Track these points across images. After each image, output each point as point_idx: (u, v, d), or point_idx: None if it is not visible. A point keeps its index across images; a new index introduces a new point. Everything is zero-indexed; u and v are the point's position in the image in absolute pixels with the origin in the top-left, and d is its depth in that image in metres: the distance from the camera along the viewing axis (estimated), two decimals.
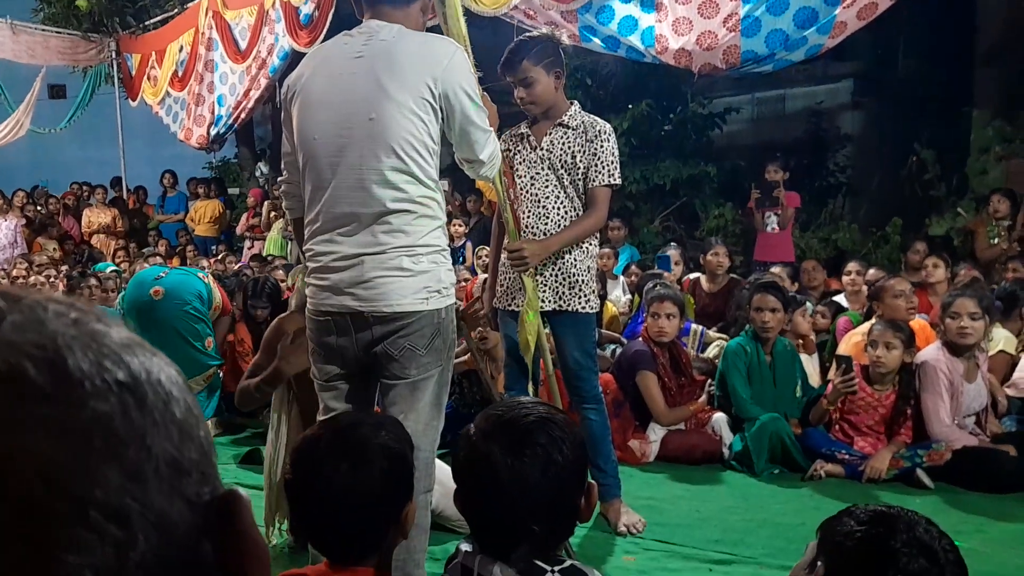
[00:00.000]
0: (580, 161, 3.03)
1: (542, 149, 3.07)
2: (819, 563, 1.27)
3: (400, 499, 1.51)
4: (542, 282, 3.05)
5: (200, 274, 4.82)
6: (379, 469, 1.45)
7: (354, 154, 2.22)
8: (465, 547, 1.36)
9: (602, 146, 3.02)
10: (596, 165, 3.02)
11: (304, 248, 2.41)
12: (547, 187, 3.06)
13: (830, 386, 4.07)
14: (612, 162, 3.03)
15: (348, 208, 2.24)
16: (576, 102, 3.16)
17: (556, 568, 1.29)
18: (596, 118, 3.11)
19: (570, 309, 3.07)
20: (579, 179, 3.05)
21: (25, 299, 0.42)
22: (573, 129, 3.05)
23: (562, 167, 3.04)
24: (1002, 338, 4.43)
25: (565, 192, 3.06)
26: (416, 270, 2.24)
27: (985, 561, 2.88)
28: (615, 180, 3.05)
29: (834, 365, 4.25)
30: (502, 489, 1.28)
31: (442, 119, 2.27)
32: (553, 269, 3.06)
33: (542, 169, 3.07)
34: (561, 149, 3.05)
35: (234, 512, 0.45)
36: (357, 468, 1.43)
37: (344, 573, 1.43)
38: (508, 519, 1.29)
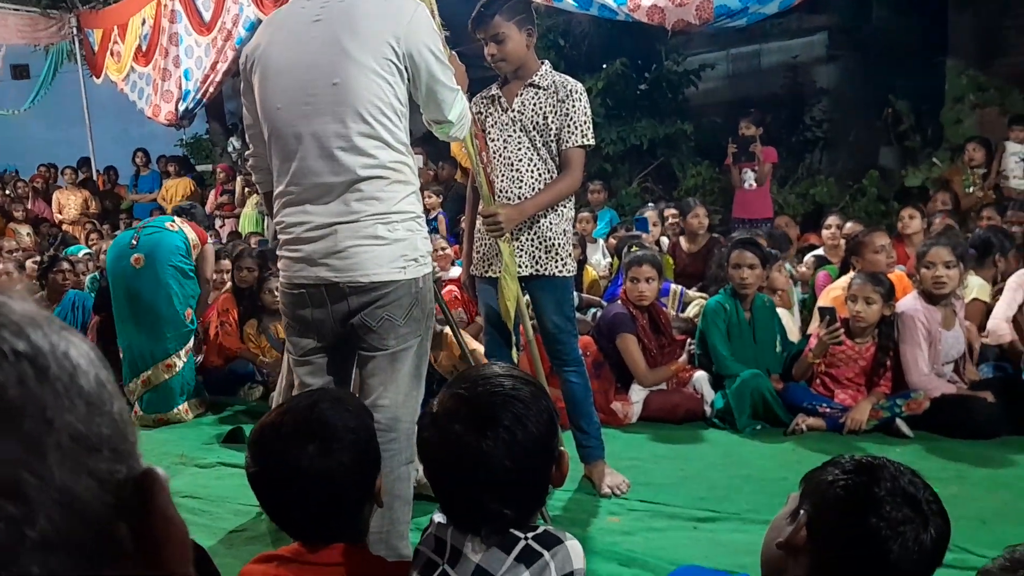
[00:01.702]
0: (552, 122, 2.98)
1: (513, 111, 3.02)
2: (802, 511, 1.27)
3: (370, 473, 1.48)
4: (518, 247, 3.02)
5: (168, 222, 4.69)
6: (347, 447, 1.42)
7: (320, 121, 2.17)
8: (438, 518, 1.34)
9: (574, 106, 2.97)
10: (569, 126, 2.97)
11: (275, 220, 2.36)
12: (520, 150, 3.01)
13: (813, 339, 4.08)
14: (585, 122, 2.98)
15: (318, 178, 2.19)
16: (547, 62, 3.10)
17: (530, 535, 1.27)
18: (567, 78, 3.05)
19: (547, 273, 3.04)
20: (551, 140, 3.00)
21: None
22: (544, 89, 3.00)
23: (534, 128, 2.99)
24: (976, 286, 4.46)
25: (538, 154, 3.01)
26: (392, 238, 2.20)
27: (965, 506, 2.91)
28: (588, 140, 3.00)
29: (815, 319, 4.26)
30: (467, 470, 1.25)
31: (408, 79, 2.22)
32: (529, 234, 3.02)
33: (514, 131, 3.01)
34: (533, 110, 2.99)
35: (151, 492, 0.43)
36: (324, 450, 1.40)
37: (318, 552, 1.41)
38: (475, 497, 1.26)
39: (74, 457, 0.39)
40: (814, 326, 4.35)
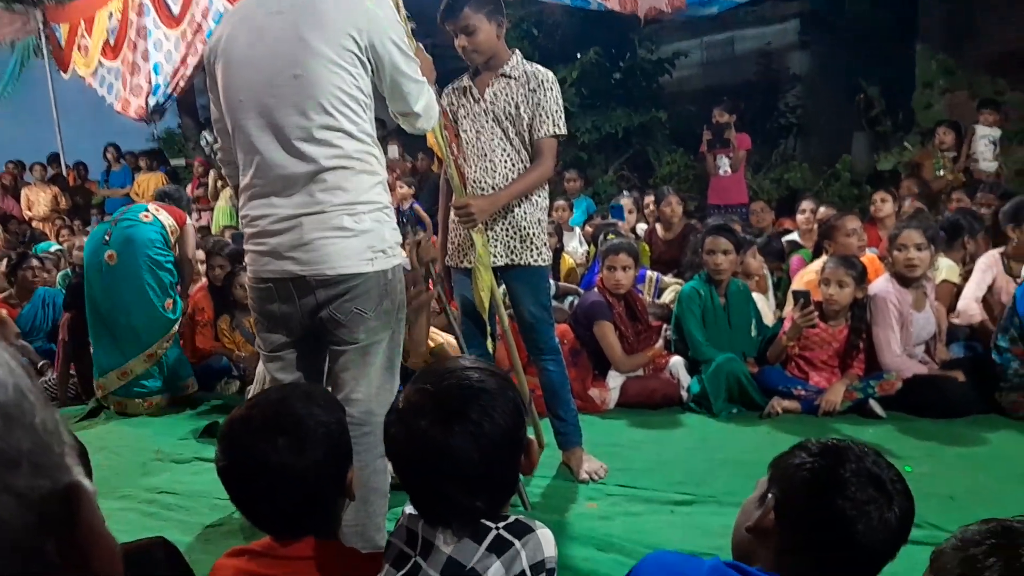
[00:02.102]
0: (524, 112, 2.97)
1: (485, 101, 3.01)
2: (770, 495, 1.29)
3: (341, 468, 1.48)
4: (493, 237, 3.02)
5: (143, 212, 4.61)
6: (317, 442, 1.41)
7: (282, 113, 2.15)
8: (409, 510, 1.34)
9: (545, 95, 2.97)
10: (540, 115, 2.97)
11: (241, 214, 2.34)
12: (492, 140, 3.01)
13: (787, 322, 4.12)
14: (556, 111, 2.98)
15: (282, 170, 2.17)
16: (518, 51, 3.09)
17: (501, 525, 1.27)
18: (538, 67, 3.05)
19: (522, 263, 3.04)
20: (524, 130, 3.00)
21: None
22: (515, 79, 2.99)
23: (506, 119, 2.99)
24: (945, 267, 4.52)
25: (511, 144, 3.01)
26: (358, 229, 2.18)
27: (937, 484, 2.97)
28: (560, 130, 3.00)
29: (790, 302, 4.29)
30: (435, 464, 1.24)
31: (372, 71, 2.21)
32: (503, 224, 3.02)
33: (486, 122, 3.01)
34: (504, 100, 2.99)
35: (76, 506, 0.41)
36: (294, 444, 1.38)
37: (289, 546, 1.40)
38: (444, 491, 1.25)
39: None
40: (788, 309, 4.39)
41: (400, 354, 2.38)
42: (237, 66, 2.19)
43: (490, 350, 3.17)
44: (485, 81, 3.02)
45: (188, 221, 4.83)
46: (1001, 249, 4.35)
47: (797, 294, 4.07)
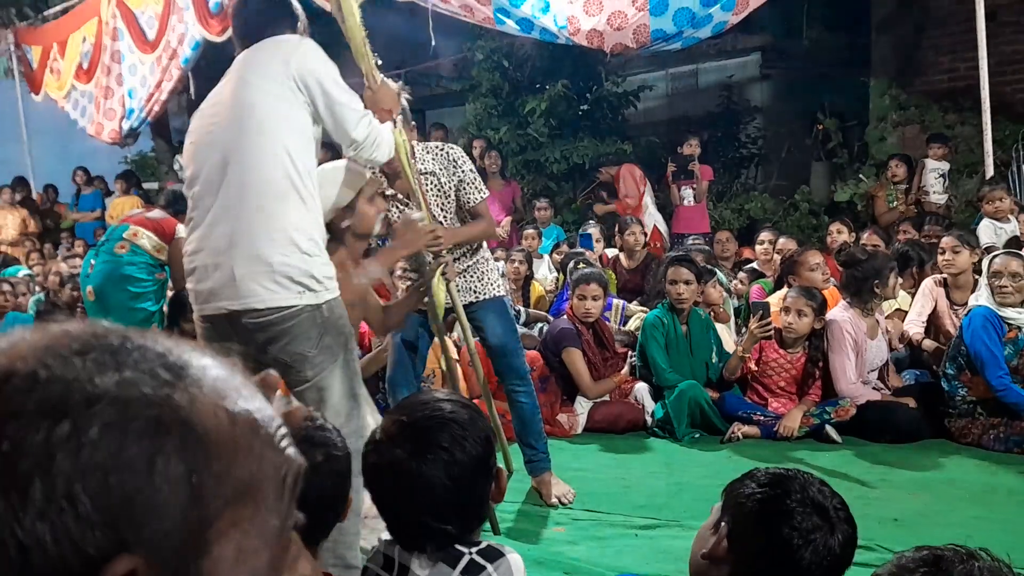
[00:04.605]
0: (452, 195, 3.20)
1: (410, 207, 3.11)
2: (723, 523, 1.37)
3: (345, 496, 1.56)
4: (459, 285, 3.22)
5: (119, 243, 4.46)
6: (330, 472, 1.49)
7: (220, 141, 2.27)
8: (385, 536, 1.43)
9: (463, 170, 3.19)
10: (466, 188, 3.19)
11: (185, 256, 2.39)
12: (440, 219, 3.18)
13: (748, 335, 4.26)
14: (476, 178, 3.24)
15: (215, 199, 2.25)
16: (416, 141, 3.22)
17: (474, 550, 1.36)
18: (439, 143, 3.32)
19: (487, 296, 3.30)
20: (454, 209, 3.22)
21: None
22: (433, 173, 3.16)
23: (440, 210, 3.17)
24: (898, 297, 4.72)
25: (455, 216, 3.24)
26: (286, 263, 2.20)
27: (889, 506, 3.11)
28: (485, 192, 3.28)
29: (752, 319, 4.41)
30: (408, 492, 1.33)
31: (309, 103, 2.29)
32: (465, 274, 3.28)
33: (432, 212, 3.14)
34: (434, 195, 3.16)
35: None
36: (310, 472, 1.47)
37: None
38: (418, 518, 1.34)
39: None
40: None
41: (359, 378, 2.42)
42: (195, 120, 2.46)
43: (417, 384, 3.42)
44: (403, 187, 3.08)
45: (179, 228, 4.57)
46: (941, 276, 4.55)
47: (756, 305, 4.24)
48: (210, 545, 0.46)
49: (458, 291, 3.22)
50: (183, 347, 0.49)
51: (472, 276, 3.32)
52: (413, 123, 3.16)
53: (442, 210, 3.20)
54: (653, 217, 7.38)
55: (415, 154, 3.11)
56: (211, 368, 0.49)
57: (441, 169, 3.17)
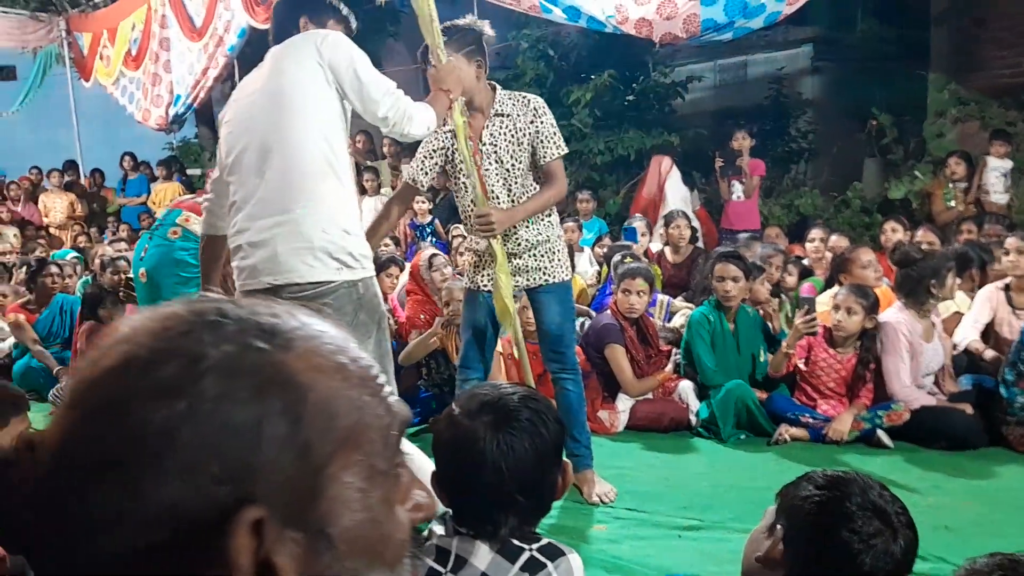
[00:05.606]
0: (527, 145, 3.06)
1: (484, 144, 3.06)
2: (779, 526, 1.33)
3: None
4: (522, 265, 3.11)
5: (172, 228, 4.48)
6: None
7: (260, 128, 2.35)
8: (438, 529, 1.38)
9: (543, 121, 3.06)
10: (543, 142, 3.05)
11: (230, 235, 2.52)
12: (494, 178, 3.07)
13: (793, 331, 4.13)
14: (556, 133, 3.09)
15: (260, 181, 2.35)
16: (498, 86, 3.14)
17: (534, 546, 1.32)
18: (525, 94, 3.15)
19: (555, 280, 3.15)
20: (527, 161, 3.08)
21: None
22: (509, 116, 3.05)
23: (510, 157, 3.05)
24: (956, 298, 4.55)
25: (515, 181, 3.08)
26: (326, 240, 2.32)
27: (942, 516, 3.00)
28: (564, 149, 3.12)
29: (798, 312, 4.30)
30: (488, 464, 1.30)
31: (337, 85, 2.37)
32: (535, 251, 3.12)
33: (489, 163, 3.07)
34: (505, 140, 3.05)
35: None
36: None
37: None
38: (493, 495, 1.31)
39: None
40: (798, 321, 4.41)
41: (391, 361, 2.50)
42: (229, 111, 2.62)
43: (487, 375, 3.29)
44: (480, 123, 3.06)
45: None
46: (1003, 282, 4.39)
47: (803, 300, 4.11)
48: (324, 488, 0.51)
49: (527, 270, 3.12)
50: (276, 311, 0.54)
51: (542, 254, 3.14)
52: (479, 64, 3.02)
53: (504, 182, 3.06)
54: (670, 207, 7.12)
55: (496, 98, 3.06)
56: (304, 327, 0.54)
57: (519, 114, 3.04)
